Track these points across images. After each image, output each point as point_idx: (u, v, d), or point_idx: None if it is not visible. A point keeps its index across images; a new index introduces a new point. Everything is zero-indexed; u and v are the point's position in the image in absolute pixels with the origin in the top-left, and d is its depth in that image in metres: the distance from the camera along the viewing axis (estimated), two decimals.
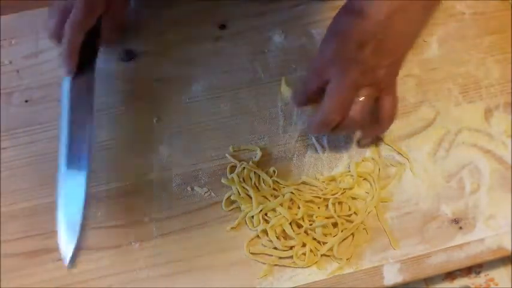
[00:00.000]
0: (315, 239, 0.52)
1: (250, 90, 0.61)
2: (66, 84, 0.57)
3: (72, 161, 0.54)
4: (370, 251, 0.52)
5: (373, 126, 0.54)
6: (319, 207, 0.54)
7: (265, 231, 0.52)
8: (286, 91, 0.60)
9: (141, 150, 0.58)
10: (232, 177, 0.55)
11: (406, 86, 0.60)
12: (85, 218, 0.54)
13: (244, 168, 0.55)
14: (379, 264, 0.52)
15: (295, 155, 0.57)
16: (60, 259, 0.52)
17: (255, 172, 0.55)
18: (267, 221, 0.53)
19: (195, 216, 0.54)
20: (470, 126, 0.58)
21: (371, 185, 0.55)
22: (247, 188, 0.54)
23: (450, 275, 0.53)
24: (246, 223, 0.54)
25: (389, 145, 0.57)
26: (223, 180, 0.55)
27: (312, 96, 0.53)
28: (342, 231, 0.52)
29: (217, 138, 0.58)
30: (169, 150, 0.58)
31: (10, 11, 0.66)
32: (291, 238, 0.52)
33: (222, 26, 0.65)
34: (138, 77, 0.62)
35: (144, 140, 0.58)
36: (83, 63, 0.58)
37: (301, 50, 0.63)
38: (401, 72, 0.61)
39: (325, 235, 0.52)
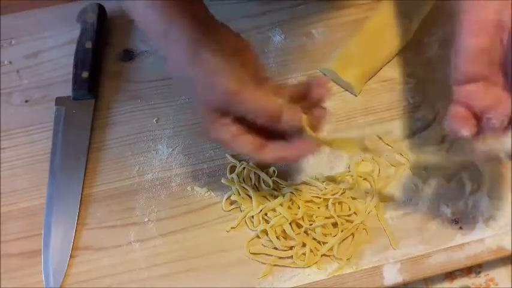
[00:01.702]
0: (314, 239, 0.52)
1: None
2: (61, 115, 0.59)
3: (61, 213, 0.54)
4: (370, 251, 0.52)
5: None
6: (319, 207, 0.54)
7: (265, 231, 0.52)
8: None
9: (141, 150, 0.58)
10: (232, 177, 0.55)
11: (406, 86, 0.60)
12: (85, 218, 0.54)
13: (244, 168, 0.55)
14: (379, 264, 0.52)
15: None
16: None
17: (255, 172, 0.55)
18: (267, 221, 0.53)
19: (195, 216, 0.54)
20: None
21: (371, 185, 0.55)
22: (247, 188, 0.54)
23: (450, 275, 0.53)
24: (246, 223, 0.54)
25: (389, 145, 0.57)
26: (223, 180, 0.55)
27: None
28: (341, 231, 0.52)
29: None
30: (169, 150, 0.58)
31: (10, 11, 0.66)
32: (291, 238, 0.52)
33: None
34: (138, 77, 0.62)
35: (144, 140, 0.58)
36: (84, 94, 0.59)
37: (301, 50, 0.63)
38: (401, 72, 0.61)
39: (325, 235, 0.52)
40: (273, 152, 0.47)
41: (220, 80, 0.45)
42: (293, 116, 0.46)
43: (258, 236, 0.53)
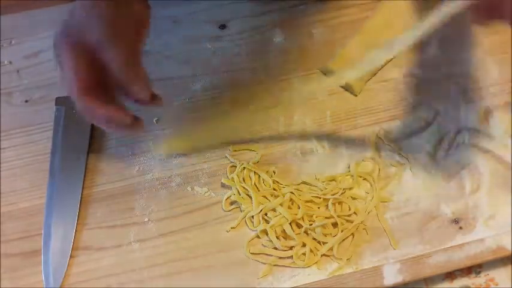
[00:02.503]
0: (315, 239, 0.52)
1: (250, 90, 0.61)
2: (61, 115, 0.58)
3: (61, 213, 0.54)
4: (370, 251, 0.52)
5: None
6: (319, 207, 0.54)
7: (265, 231, 0.52)
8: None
9: (141, 150, 0.58)
10: (232, 177, 0.55)
11: (406, 86, 0.60)
12: (85, 218, 0.54)
13: (244, 168, 0.55)
14: (379, 264, 0.52)
15: (295, 155, 0.57)
16: None
17: (255, 172, 0.55)
18: (267, 221, 0.53)
19: (195, 216, 0.54)
20: (470, 126, 0.58)
21: (371, 185, 0.55)
22: (247, 188, 0.54)
23: (450, 275, 0.53)
24: (246, 223, 0.54)
25: (389, 145, 0.57)
26: (223, 180, 0.55)
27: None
28: (341, 231, 0.52)
29: (218, 138, 0.58)
30: (169, 150, 0.58)
31: (10, 11, 0.66)
32: (291, 238, 0.52)
33: (222, 26, 0.65)
34: None
35: (144, 140, 0.58)
36: None
37: (301, 50, 0.63)
38: (402, 72, 0.61)
39: (325, 235, 0.52)
40: (91, 102, 0.46)
41: (104, 23, 0.46)
42: (145, 89, 0.48)
43: (258, 236, 0.53)
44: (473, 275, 0.54)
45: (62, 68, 0.47)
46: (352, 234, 0.53)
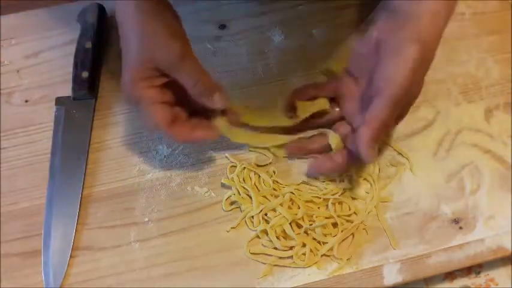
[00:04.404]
0: (315, 239, 0.52)
1: (250, 90, 0.61)
2: (61, 115, 0.59)
3: (61, 213, 0.54)
4: (370, 251, 0.52)
5: None
6: (319, 207, 0.54)
7: (265, 231, 0.52)
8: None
9: (141, 150, 0.58)
10: (232, 177, 0.55)
11: None
12: (85, 218, 0.54)
13: (244, 168, 0.55)
14: (379, 264, 0.52)
15: (295, 155, 0.57)
16: None
17: (255, 172, 0.55)
18: (267, 221, 0.53)
19: (195, 216, 0.54)
20: (470, 126, 0.58)
21: (371, 185, 0.55)
22: (247, 188, 0.54)
23: (450, 275, 0.53)
24: (246, 223, 0.54)
25: (389, 145, 0.57)
26: (223, 180, 0.55)
27: None
28: (342, 231, 0.52)
29: (217, 138, 0.58)
30: (169, 150, 0.58)
31: (10, 11, 0.66)
32: (291, 238, 0.52)
33: (222, 26, 0.65)
34: None
35: (144, 140, 0.58)
36: (83, 95, 0.59)
37: (301, 50, 0.63)
38: None
39: (325, 235, 0.52)
40: (181, 132, 0.51)
41: (173, 41, 0.48)
42: (223, 98, 0.51)
43: (258, 236, 0.53)
44: (473, 275, 0.54)
45: (141, 107, 0.49)
46: (352, 234, 0.53)
